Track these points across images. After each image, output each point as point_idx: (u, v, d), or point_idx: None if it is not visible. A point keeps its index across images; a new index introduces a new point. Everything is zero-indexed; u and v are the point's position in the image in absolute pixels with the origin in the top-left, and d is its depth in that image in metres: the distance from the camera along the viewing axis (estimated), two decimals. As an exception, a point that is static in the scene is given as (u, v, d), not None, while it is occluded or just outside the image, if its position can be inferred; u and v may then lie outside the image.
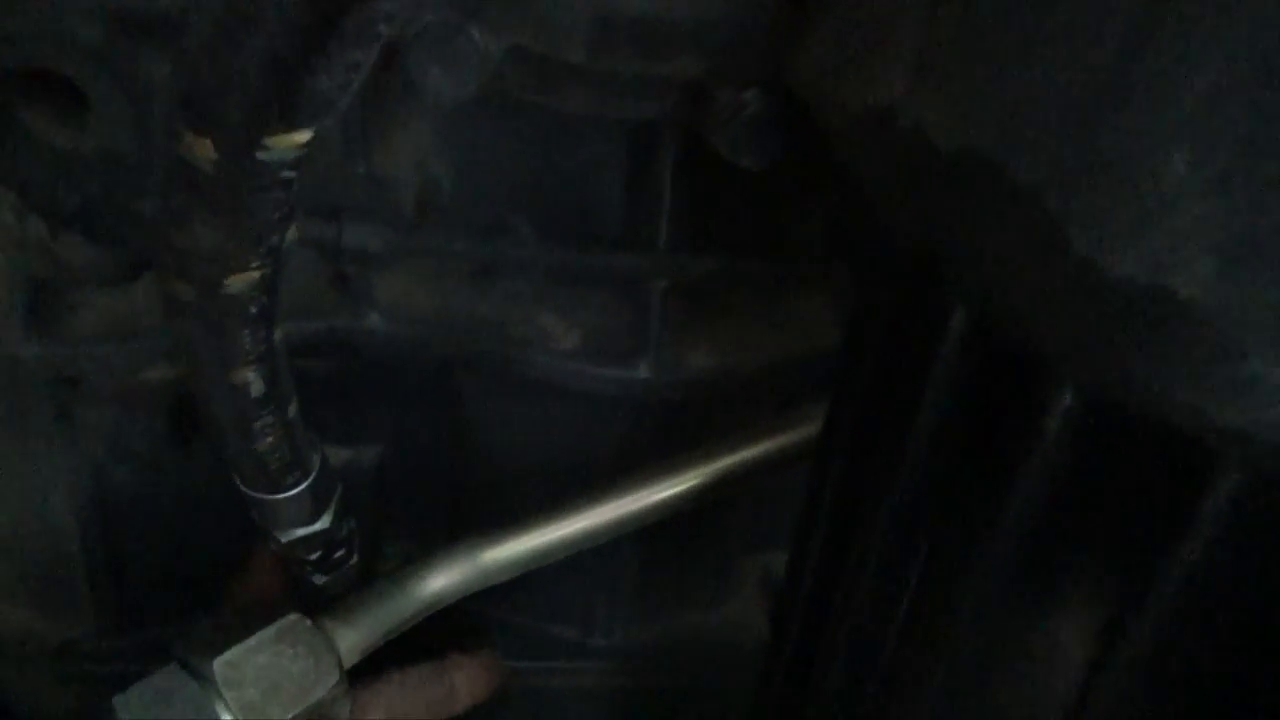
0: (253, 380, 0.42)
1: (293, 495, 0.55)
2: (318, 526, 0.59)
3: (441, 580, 0.59)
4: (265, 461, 0.51)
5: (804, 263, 0.63)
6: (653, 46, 0.43)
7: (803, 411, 0.61)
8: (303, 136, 0.24)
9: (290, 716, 0.49)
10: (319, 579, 0.63)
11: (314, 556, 0.61)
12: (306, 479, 0.55)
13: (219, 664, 0.48)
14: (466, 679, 0.60)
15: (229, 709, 0.48)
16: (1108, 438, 0.24)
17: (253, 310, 0.35)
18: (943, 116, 0.27)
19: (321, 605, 0.57)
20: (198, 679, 0.48)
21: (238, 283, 0.33)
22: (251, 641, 0.50)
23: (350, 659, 0.55)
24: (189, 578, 0.71)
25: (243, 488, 0.54)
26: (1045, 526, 0.27)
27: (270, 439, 0.49)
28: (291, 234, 0.32)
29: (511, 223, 0.62)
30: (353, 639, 0.55)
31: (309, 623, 0.52)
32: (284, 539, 0.58)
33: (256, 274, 0.33)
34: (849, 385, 0.35)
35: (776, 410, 0.62)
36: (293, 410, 0.49)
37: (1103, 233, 0.22)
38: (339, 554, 0.63)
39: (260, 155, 0.25)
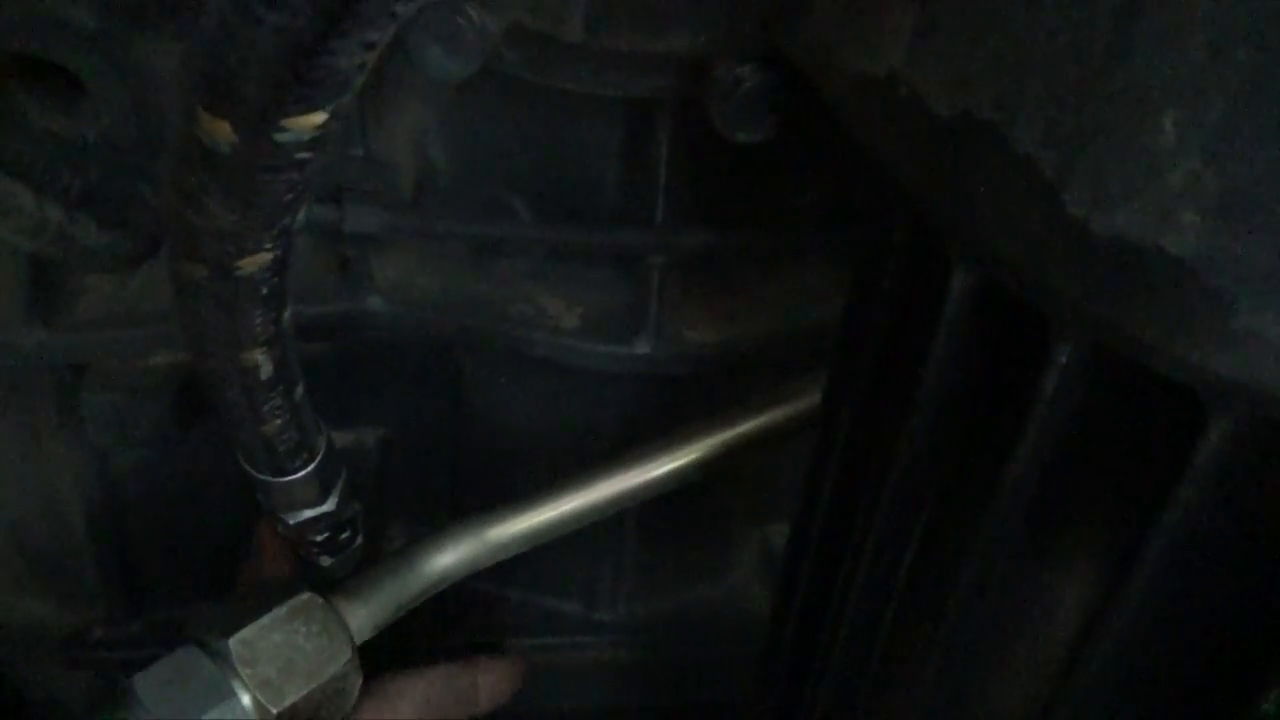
0: (263, 362, 0.42)
1: (299, 478, 0.55)
2: (324, 508, 0.59)
3: (449, 557, 0.60)
4: (273, 444, 0.51)
5: (801, 234, 0.64)
6: (649, 22, 0.43)
7: (803, 383, 0.62)
8: (319, 118, 0.25)
9: (305, 693, 0.50)
10: (325, 561, 0.64)
11: (320, 538, 0.61)
12: (313, 461, 0.55)
13: (234, 642, 0.49)
14: (490, 680, 0.61)
15: (245, 686, 0.49)
16: (1105, 392, 0.25)
17: (265, 291, 0.36)
18: (940, 83, 0.28)
19: (331, 585, 0.58)
20: (214, 658, 0.49)
21: (251, 264, 0.33)
22: (265, 620, 0.51)
23: (361, 636, 0.56)
24: (197, 561, 0.71)
25: (249, 470, 0.55)
26: (1048, 481, 0.28)
27: (278, 421, 0.49)
28: (301, 215, 0.33)
29: (509, 203, 0.62)
30: (363, 616, 0.56)
31: (321, 601, 0.53)
32: (291, 521, 0.59)
33: (269, 255, 0.33)
34: (853, 351, 0.36)
35: (777, 382, 0.63)
36: (300, 392, 0.50)
37: (1096, 194, 0.23)
38: (345, 536, 0.63)
39: (277, 136, 0.25)
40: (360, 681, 0.55)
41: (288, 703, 0.49)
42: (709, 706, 0.81)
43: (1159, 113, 0.21)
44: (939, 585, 0.32)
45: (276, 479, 0.55)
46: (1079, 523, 0.29)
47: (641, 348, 0.63)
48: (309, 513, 0.59)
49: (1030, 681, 0.32)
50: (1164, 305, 0.22)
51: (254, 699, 0.48)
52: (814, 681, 0.42)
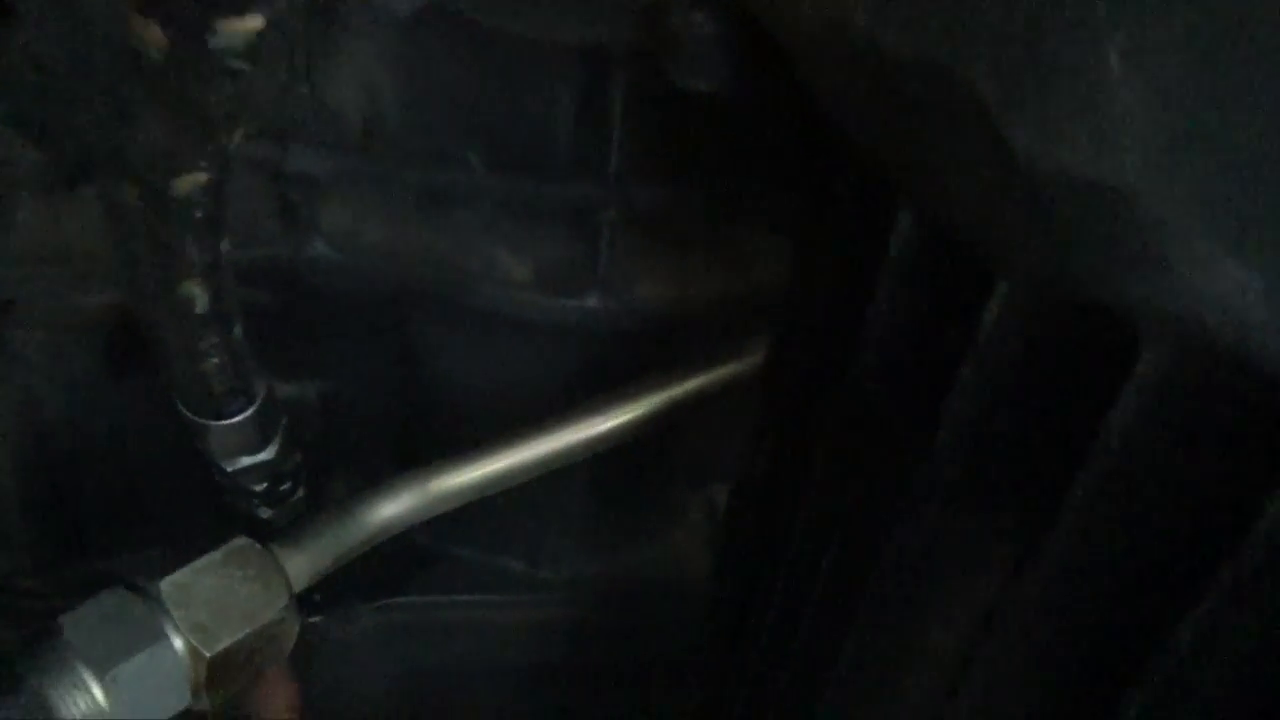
0: (198, 295, 0.41)
1: (237, 422, 0.55)
2: (263, 456, 0.58)
3: (391, 508, 0.60)
4: (210, 385, 0.50)
5: (753, 195, 0.64)
6: (605, -37, 0.42)
7: (748, 342, 0.62)
8: (254, 23, 0.24)
9: (240, 637, 0.49)
10: (265, 512, 0.63)
11: (260, 488, 0.60)
12: (251, 405, 0.54)
13: (166, 584, 0.48)
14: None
15: (177, 629, 0.48)
16: (1044, 328, 0.26)
17: (199, 216, 0.35)
18: (898, 26, 0.27)
19: (269, 534, 0.57)
20: (144, 599, 0.48)
21: (185, 185, 0.32)
22: (199, 563, 0.50)
23: (300, 583, 0.55)
24: (130, 509, 0.70)
25: (186, 413, 0.54)
26: (983, 424, 0.28)
27: (215, 360, 0.48)
28: (238, 138, 0.32)
29: (461, 154, 0.61)
30: (302, 563, 0.55)
31: (258, 546, 0.52)
32: (229, 468, 0.58)
33: (204, 176, 0.32)
34: (799, 303, 0.36)
35: (725, 341, 0.63)
36: (238, 332, 0.49)
37: (1041, 129, 0.23)
38: (285, 487, 0.62)
39: (210, 41, 0.24)
40: (297, 629, 0.54)
41: (221, 646, 0.48)
42: (651, 666, 0.82)
43: (1104, 44, 0.21)
44: (875, 532, 0.32)
45: (213, 422, 0.54)
46: (1012, 470, 0.29)
47: (591, 301, 0.62)
48: (247, 460, 0.58)
49: (961, 634, 0.32)
50: (1105, 238, 0.23)
51: (186, 642, 0.48)
52: (752, 635, 0.43)
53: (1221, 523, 0.24)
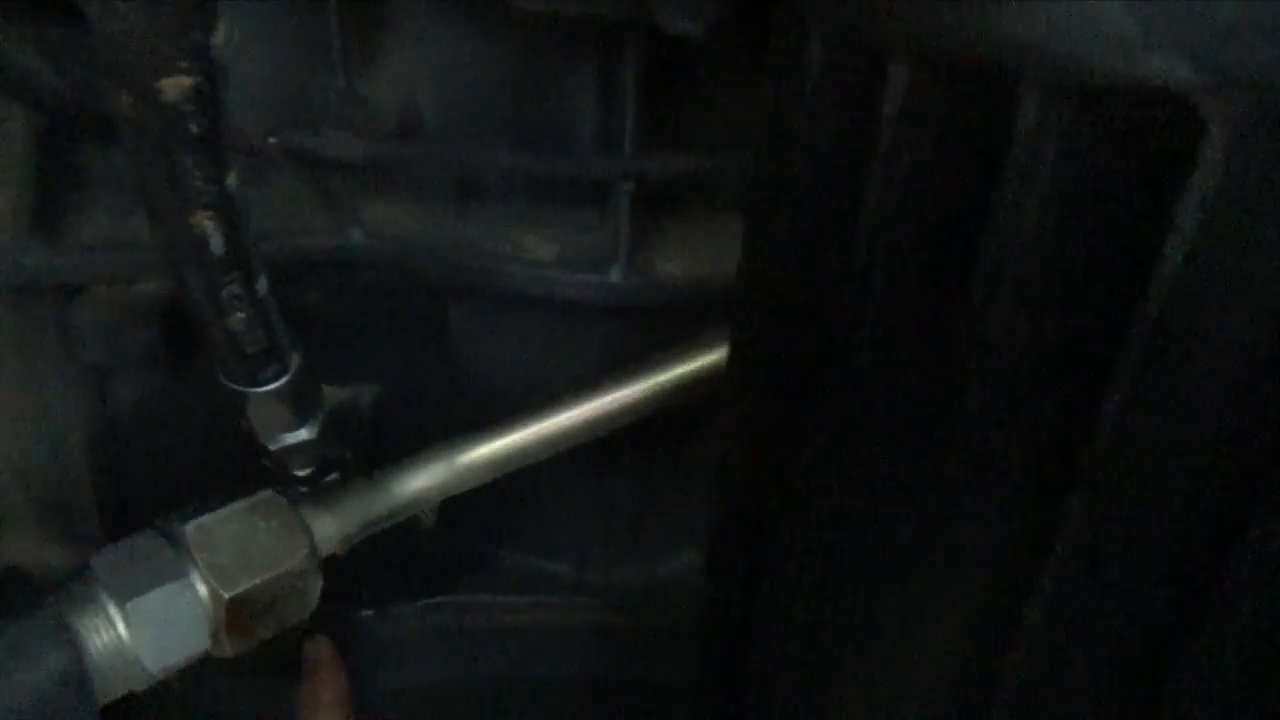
0: (211, 232, 0.44)
1: (273, 390, 0.57)
2: (303, 435, 0.60)
3: (418, 479, 0.61)
4: (240, 343, 0.53)
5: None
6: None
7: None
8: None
9: (259, 582, 0.51)
10: (311, 505, 0.64)
11: (305, 473, 0.62)
12: (285, 373, 0.56)
13: (191, 528, 0.50)
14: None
15: (198, 569, 0.50)
16: (940, 107, 0.25)
17: (194, 130, 0.38)
18: None
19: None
20: (170, 541, 0.50)
21: (171, 89, 0.35)
22: (224, 511, 0.52)
23: (327, 545, 0.57)
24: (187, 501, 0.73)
25: (226, 384, 0.57)
26: (901, 213, 0.28)
27: (241, 315, 0.51)
28: (221, 35, 0.35)
29: (487, 137, 0.64)
30: (328, 524, 0.57)
31: (283, 501, 0.54)
32: (272, 447, 0.60)
33: (188, 80, 0.35)
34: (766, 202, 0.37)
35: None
36: (262, 288, 0.51)
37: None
38: (332, 479, 0.64)
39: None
40: (320, 587, 0.55)
41: (241, 589, 0.50)
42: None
43: None
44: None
45: (251, 390, 0.56)
46: (929, 276, 0.28)
47: (613, 276, 0.64)
48: (289, 438, 0.60)
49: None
50: (967, -15, 0.23)
51: (207, 582, 0.49)
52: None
53: (1134, 258, 0.22)
